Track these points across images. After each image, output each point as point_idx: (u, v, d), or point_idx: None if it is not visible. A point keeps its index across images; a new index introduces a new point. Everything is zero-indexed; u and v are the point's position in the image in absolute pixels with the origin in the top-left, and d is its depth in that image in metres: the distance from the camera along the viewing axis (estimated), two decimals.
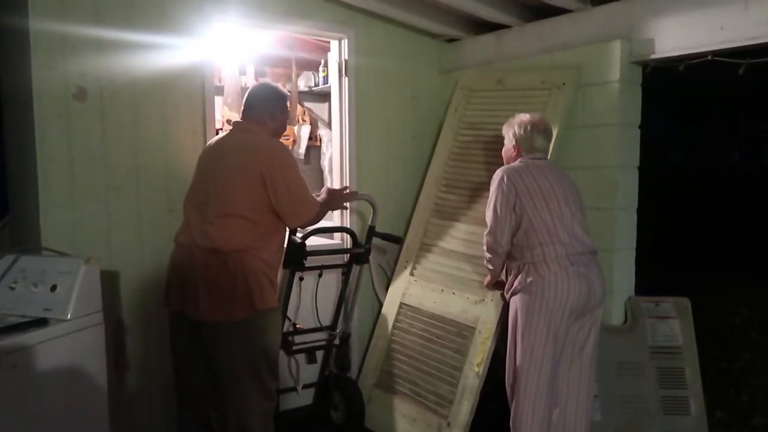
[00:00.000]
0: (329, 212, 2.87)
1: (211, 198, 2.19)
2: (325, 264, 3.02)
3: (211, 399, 2.28)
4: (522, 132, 2.43)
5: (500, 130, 2.57)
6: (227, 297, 2.12)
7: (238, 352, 2.15)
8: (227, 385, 2.19)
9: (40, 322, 1.91)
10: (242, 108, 2.37)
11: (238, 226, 2.14)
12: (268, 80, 2.51)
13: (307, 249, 2.75)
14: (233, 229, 2.14)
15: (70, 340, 1.96)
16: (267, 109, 2.33)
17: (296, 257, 2.71)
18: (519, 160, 2.44)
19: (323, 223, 2.67)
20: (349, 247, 3.12)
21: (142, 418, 2.68)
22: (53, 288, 2.01)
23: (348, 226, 3.21)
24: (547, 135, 2.48)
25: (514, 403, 2.34)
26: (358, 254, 3.02)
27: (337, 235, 3.31)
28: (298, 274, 2.88)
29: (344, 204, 2.92)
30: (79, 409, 2.03)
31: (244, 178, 2.16)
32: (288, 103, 2.43)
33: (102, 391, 2.13)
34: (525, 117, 2.47)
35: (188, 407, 2.37)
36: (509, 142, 2.49)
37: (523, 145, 2.44)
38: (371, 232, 3.05)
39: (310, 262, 2.82)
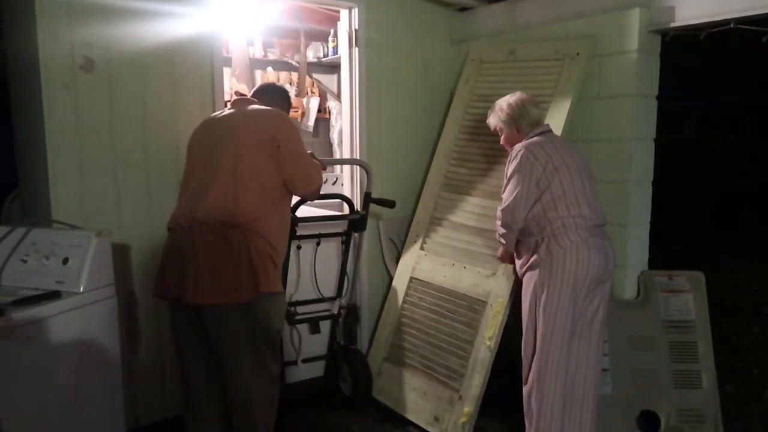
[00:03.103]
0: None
1: (216, 168, 2.10)
2: (323, 232, 3.03)
3: (216, 385, 2.21)
4: (516, 111, 2.41)
5: None
6: (231, 277, 2.03)
7: (240, 335, 2.09)
8: (230, 369, 2.13)
9: (53, 295, 1.90)
10: (250, 95, 2.39)
11: (246, 194, 2.06)
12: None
13: (302, 217, 2.76)
14: (240, 196, 2.06)
15: (83, 313, 1.96)
16: (274, 98, 2.35)
17: None
18: (528, 137, 2.39)
19: None
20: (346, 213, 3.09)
21: (155, 389, 2.71)
22: (65, 261, 2.00)
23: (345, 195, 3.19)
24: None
25: (536, 375, 2.31)
26: (354, 221, 3.00)
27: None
28: (295, 243, 2.87)
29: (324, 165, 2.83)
30: (93, 381, 2.04)
31: (256, 139, 2.11)
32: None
33: (115, 363, 2.14)
34: (507, 99, 2.46)
35: (193, 394, 2.29)
36: (508, 128, 2.45)
37: (522, 120, 2.41)
38: (367, 198, 3.03)
39: (307, 230, 2.82)
